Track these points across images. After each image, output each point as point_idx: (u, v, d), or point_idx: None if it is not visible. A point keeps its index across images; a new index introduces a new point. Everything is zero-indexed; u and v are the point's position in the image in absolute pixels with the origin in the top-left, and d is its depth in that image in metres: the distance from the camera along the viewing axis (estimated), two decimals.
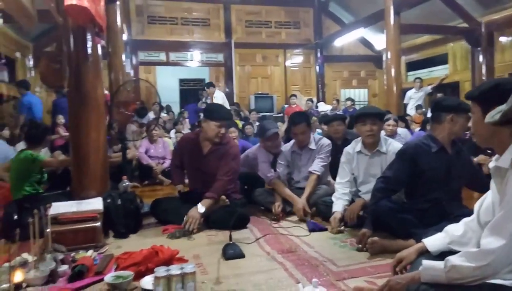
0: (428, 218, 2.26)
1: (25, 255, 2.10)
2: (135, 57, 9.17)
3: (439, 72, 9.30)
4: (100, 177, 3.00)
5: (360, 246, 2.29)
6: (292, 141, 3.46)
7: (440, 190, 2.29)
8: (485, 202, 1.55)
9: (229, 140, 3.08)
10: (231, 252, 2.25)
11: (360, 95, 11.16)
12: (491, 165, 1.45)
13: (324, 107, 9.38)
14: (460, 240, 1.59)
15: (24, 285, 1.83)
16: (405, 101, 8.42)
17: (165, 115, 7.88)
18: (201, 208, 2.74)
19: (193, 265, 1.78)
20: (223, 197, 2.89)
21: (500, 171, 1.40)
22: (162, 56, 9.57)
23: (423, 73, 9.57)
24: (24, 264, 2.02)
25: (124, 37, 7.22)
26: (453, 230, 1.68)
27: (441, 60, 9.19)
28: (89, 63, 2.94)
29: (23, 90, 5.88)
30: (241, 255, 2.24)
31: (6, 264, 1.77)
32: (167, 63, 9.66)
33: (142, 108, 3.69)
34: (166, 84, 10.65)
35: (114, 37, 5.87)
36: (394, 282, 1.53)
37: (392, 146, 2.70)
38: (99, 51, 3.05)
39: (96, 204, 2.63)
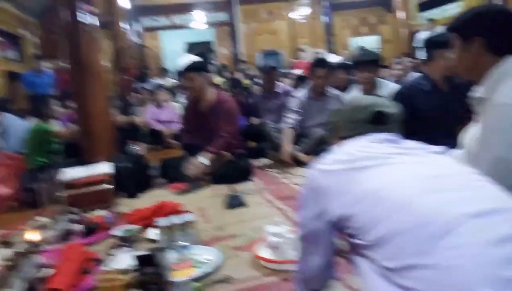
0: None
1: (41, 219, 2.25)
2: (139, 24, 9.09)
3: (453, 10, 8.87)
4: (107, 143, 3.13)
5: None
6: (305, 89, 3.49)
7: (436, 128, 2.30)
8: (470, 133, 1.56)
9: (225, 97, 3.12)
10: (234, 202, 2.36)
11: (371, 43, 10.81)
12: (474, 95, 1.45)
13: (334, 59, 9.17)
14: None
15: (41, 244, 1.98)
16: (417, 44, 8.15)
17: (173, 80, 7.90)
18: (202, 158, 2.85)
19: (193, 214, 1.89)
20: (226, 152, 2.97)
21: (480, 102, 1.41)
22: (165, 21, 9.47)
23: (436, 13, 9.15)
24: (41, 227, 2.18)
25: (126, 4, 7.17)
26: None
27: None
28: (84, 32, 2.97)
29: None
30: (242, 204, 2.35)
31: (24, 227, 1.93)
32: (171, 27, 9.57)
33: (142, 73, 3.73)
34: (173, 49, 10.59)
35: (113, 5, 5.84)
36: None
37: (389, 88, 2.70)
38: (93, 19, 3.06)
39: (106, 167, 2.76)
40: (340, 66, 3.87)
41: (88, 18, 2.98)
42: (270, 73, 3.81)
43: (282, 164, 3.18)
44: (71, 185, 2.61)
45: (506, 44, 1.33)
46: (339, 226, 0.96)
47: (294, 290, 1.30)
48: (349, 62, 4.34)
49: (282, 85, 3.92)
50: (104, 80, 3.17)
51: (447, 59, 2.23)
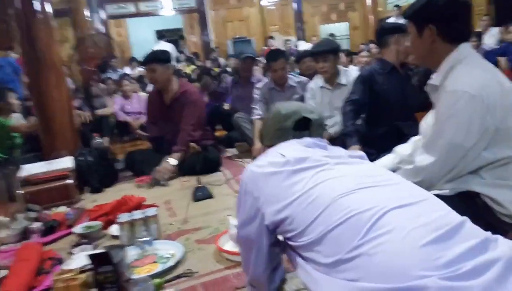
0: (387, 142, 2.31)
1: None
2: (103, 11, 8.77)
3: None
4: (69, 136, 3.01)
5: None
6: (265, 80, 3.46)
7: (396, 110, 2.35)
8: (428, 119, 1.59)
9: (188, 88, 3.05)
10: (199, 194, 2.33)
11: (341, 30, 10.89)
12: (429, 83, 1.47)
13: (304, 46, 9.18)
14: (409, 159, 1.64)
15: None
16: None
17: (142, 69, 7.69)
18: (171, 160, 2.79)
19: (155, 209, 1.85)
20: (193, 144, 2.92)
21: (435, 89, 1.43)
22: (131, 7, 9.15)
23: (402, 0, 9.27)
24: None
25: None
26: (402, 149, 1.74)
27: None
28: (40, 21, 2.82)
29: None
30: (209, 196, 2.33)
31: None
32: (137, 14, 9.27)
33: (104, 63, 3.61)
34: (142, 37, 10.28)
35: None
36: None
37: (352, 76, 2.72)
38: (48, 7, 2.91)
39: (66, 162, 2.67)
40: (307, 54, 3.86)
41: (42, 6, 2.83)
42: (247, 61, 3.74)
43: (252, 156, 3.16)
44: (30, 181, 2.52)
45: (458, 31, 1.35)
46: (277, 230, 0.97)
47: None
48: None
49: (258, 74, 3.88)
50: (63, 70, 3.03)
51: (400, 44, 2.31)
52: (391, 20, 8.32)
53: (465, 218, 0.83)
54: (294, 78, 3.41)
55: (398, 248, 0.74)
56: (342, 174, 0.94)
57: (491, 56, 4.07)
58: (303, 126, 1.14)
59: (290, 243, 0.94)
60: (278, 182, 0.95)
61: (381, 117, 2.40)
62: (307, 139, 1.09)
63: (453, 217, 0.82)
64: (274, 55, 3.35)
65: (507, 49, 4.39)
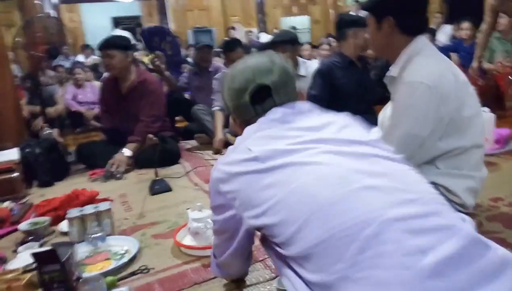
0: None
1: None
2: None
3: None
4: (14, 127, 2.81)
5: None
6: (224, 69, 3.40)
7: (355, 103, 2.38)
8: (387, 111, 1.61)
9: (147, 77, 2.92)
10: (157, 187, 2.25)
11: (302, 23, 10.96)
12: (388, 74, 1.48)
13: (265, 38, 9.17)
14: None
15: None
16: None
17: (96, 57, 7.35)
18: (126, 151, 2.68)
19: (108, 203, 1.76)
20: (150, 135, 2.81)
21: (393, 81, 1.44)
22: None
23: None
24: None
25: None
26: None
27: None
28: None
29: None
30: (167, 189, 2.25)
31: None
32: None
33: (52, 48, 3.38)
34: (97, 24, 9.80)
35: None
36: None
37: (311, 68, 2.76)
38: None
39: (11, 154, 2.48)
40: (264, 47, 3.86)
41: None
42: (203, 50, 3.66)
43: (213, 148, 3.09)
44: None
45: (415, 24, 1.37)
46: (260, 231, 0.86)
47: (214, 276, 1.27)
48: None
49: (214, 63, 3.80)
50: (7, 57, 2.81)
51: (358, 37, 2.35)
52: (351, 15, 8.50)
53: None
54: None
55: (394, 281, 0.62)
56: (328, 167, 0.76)
57: (443, 52, 4.21)
58: (264, 95, 0.94)
59: (275, 247, 0.81)
60: (249, 183, 0.82)
61: (340, 111, 2.43)
62: (276, 113, 0.91)
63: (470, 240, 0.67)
64: (231, 45, 3.32)
65: (458, 46, 4.58)
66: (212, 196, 0.95)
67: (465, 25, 4.45)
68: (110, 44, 2.76)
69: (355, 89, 2.40)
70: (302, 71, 2.83)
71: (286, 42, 2.74)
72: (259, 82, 0.94)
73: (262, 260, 1.37)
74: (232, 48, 3.26)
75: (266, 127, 0.89)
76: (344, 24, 2.43)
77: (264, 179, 0.79)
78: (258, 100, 0.95)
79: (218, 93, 3.27)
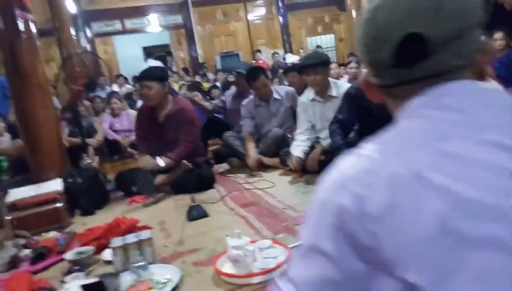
0: None
1: None
2: (89, 30, 8.74)
3: None
4: (57, 157, 2.94)
5: None
6: (251, 96, 3.45)
7: (389, 123, 2.34)
8: None
9: (183, 105, 3.00)
10: (195, 213, 2.28)
11: (327, 42, 11.03)
12: None
13: (292, 59, 9.24)
14: None
15: None
16: None
17: (130, 86, 7.65)
18: (159, 160, 2.75)
19: (149, 231, 1.80)
20: (185, 161, 2.87)
21: None
22: (117, 25, 9.14)
23: None
24: None
25: (73, 9, 6.86)
26: None
27: None
28: (23, 40, 2.78)
29: None
30: (204, 215, 2.27)
31: None
32: (124, 31, 9.26)
33: (91, 82, 3.56)
34: (129, 54, 10.26)
35: (59, 11, 5.56)
36: None
37: (343, 88, 2.72)
38: (33, 27, 2.87)
39: (55, 185, 2.59)
40: (290, 69, 3.90)
41: (25, 25, 2.78)
42: (238, 77, 3.77)
43: (246, 170, 3.12)
44: (18, 205, 2.43)
45: None
46: None
47: None
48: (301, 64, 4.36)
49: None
50: (49, 90, 2.97)
51: None
52: None
53: None
54: (279, 90, 3.42)
55: None
56: None
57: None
58: (415, 56, 0.54)
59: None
60: (423, 226, 0.44)
61: (374, 130, 2.38)
62: (446, 94, 0.53)
63: None
64: (254, 74, 3.35)
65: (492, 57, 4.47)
66: (315, 230, 0.52)
67: (498, 35, 4.33)
68: (147, 76, 2.85)
69: (386, 112, 2.36)
70: (333, 92, 2.81)
71: (318, 65, 2.72)
72: (411, 30, 0.53)
73: None
74: (255, 77, 3.31)
75: (445, 130, 0.50)
76: None
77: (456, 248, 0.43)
78: (407, 60, 0.55)
79: (246, 119, 3.35)
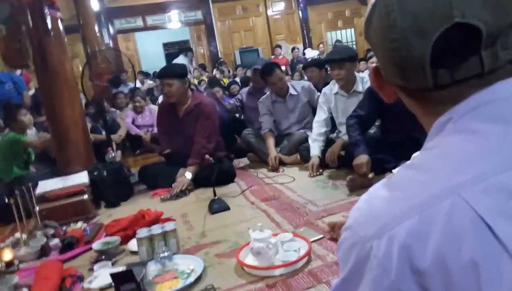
0: (404, 151, 2.28)
1: (17, 235, 2.17)
2: (111, 26, 8.89)
3: None
4: (83, 151, 3.03)
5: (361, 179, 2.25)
6: (267, 93, 3.45)
7: (412, 121, 2.29)
8: None
9: (202, 99, 3.05)
10: (216, 207, 2.32)
11: (347, 36, 10.89)
12: None
13: (311, 54, 9.20)
14: None
15: (16, 262, 1.90)
16: None
17: (151, 82, 7.76)
18: (188, 174, 2.79)
19: (174, 223, 1.85)
20: (207, 156, 2.91)
21: None
22: (139, 22, 9.27)
23: None
24: (16, 244, 2.10)
25: (96, 7, 6.99)
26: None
27: None
28: (52, 38, 2.86)
29: None
30: (226, 208, 2.31)
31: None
32: (145, 28, 9.38)
33: (115, 77, 3.64)
34: (150, 50, 10.41)
35: (83, 8, 5.69)
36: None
37: (369, 84, 2.68)
38: (60, 25, 2.96)
39: (81, 178, 2.68)
40: (310, 64, 3.89)
41: (53, 23, 2.87)
42: (256, 73, 3.74)
43: (266, 167, 3.14)
44: (46, 197, 2.53)
45: None
46: None
47: None
48: (321, 59, 4.34)
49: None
50: (76, 86, 3.06)
51: None
52: None
53: None
54: (295, 86, 3.39)
55: None
56: None
57: None
58: (468, 50, 0.43)
59: None
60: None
61: (397, 127, 2.36)
62: (501, 93, 0.43)
63: None
64: (268, 69, 3.31)
65: None
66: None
67: None
68: (169, 73, 2.92)
69: (409, 111, 2.30)
70: (359, 88, 2.76)
71: (344, 60, 2.67)
72: (461, 20, 0.41)
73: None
74: (270, 72, 3.27)
75: (506, 152, 0.40)
76: None
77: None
78: (452, 57, 0.43)
79: (265, 116, 3.35)
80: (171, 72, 2.92)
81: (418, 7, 0.43)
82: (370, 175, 2.20)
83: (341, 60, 2.68)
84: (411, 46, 0.44)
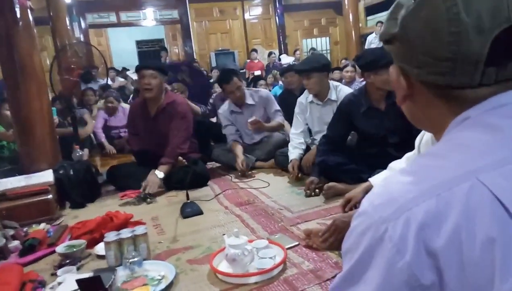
0: (378, 160, 2.30)
1: None
2: (83, 20, 8.61)
3: None
4: (49, 149, 2.88)
5: (308, 191, 2.36)
6: (226, 103, 3.34)
7: (379, 144, 2.33)
8: (424, 136, 1.59)
9: (176, 98, 2.97)
10: (189, 210, 2.25)
11: (322, 44, 11.07)
12: None
13: (286, 60, 9.27)
14: None
15: None
16: (366, 47, 8.43)
17: (122, 80, 7.56)
18: (159, 173, 2.69)
19: (144, 227, 1.77)
20: (180, 158, 2.85)
21: None
22: (112, 17, 9.03)
23: (383, 16, 9.50)
24: None
25: None
26: (397, 165, 1.73)
27: None
28: (20, 28, 2.71)
29: None
30: (198, 212, 2.25)
31: None
32: (118, 24, 9.15)
33: (86, 73, 3.49)
34: (122, 47, 10.16)
35: (54, 0, 5.47)
36: (339, 221, 1.59)
37: (343, 92, 2.70)
38: (30, 15, 2.81)
39: (46, 176, 2.54)
40: (290, 69, 3.91)
41: (22, 13, 2.72)
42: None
43: (236, 172, 3.08)
44: (7, 196, 2.38)
45: None
46: None
47: None
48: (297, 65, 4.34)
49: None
50: (45, 80, 2.91)
51: (378, 79, 2.18)
52: (373, 36, 8.52)
53: None
54: (253, 95, 3.25)
55: None
56: None
57: None
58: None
59: None
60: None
61: (370, 142, 2.39)
62: None
63: None
64: (226, 76, 3.15)
65: None
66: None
67: None
68: (155, 65, 2.88)
69: (376, 133, 2.30)
70: (333, 96, 2.76)
71: (311, 70, 2.64)
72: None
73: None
74: (228, 80, 3.11)
75: None
76: (361, 68, 2.33)
77: None
78: (499, 57, 0.45)
79: (228, 127, 3.23)
80: (158, 65, 2.89)
81: (482, 5, 0.44)
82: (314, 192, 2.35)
83: (308, 70, 2.66)
84: (470, 41, 0.45)
